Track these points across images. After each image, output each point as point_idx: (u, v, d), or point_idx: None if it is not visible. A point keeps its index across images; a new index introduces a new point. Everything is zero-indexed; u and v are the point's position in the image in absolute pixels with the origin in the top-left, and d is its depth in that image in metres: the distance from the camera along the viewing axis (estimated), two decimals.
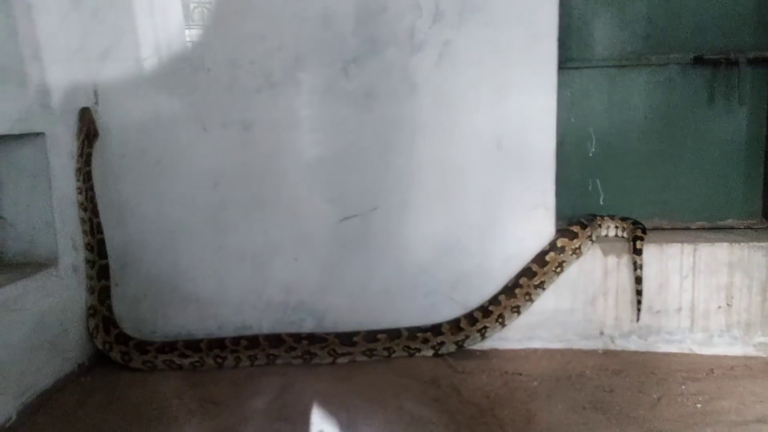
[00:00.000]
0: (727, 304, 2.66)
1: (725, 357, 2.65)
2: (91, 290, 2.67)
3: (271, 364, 2.64)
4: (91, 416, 2.28)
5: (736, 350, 2.67)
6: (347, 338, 2.65)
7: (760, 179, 2.91)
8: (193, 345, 2.65)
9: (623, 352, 2.70)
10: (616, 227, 2.82)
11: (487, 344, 2.74)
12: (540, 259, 2.67)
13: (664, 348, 2.70)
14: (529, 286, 2.65)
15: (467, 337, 2.67)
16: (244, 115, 2.68)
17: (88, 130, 2.62)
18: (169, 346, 2.64)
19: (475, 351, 2.73)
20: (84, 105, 2.66)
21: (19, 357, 2.27)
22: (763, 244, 2.64)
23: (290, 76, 2.65)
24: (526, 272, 2.67)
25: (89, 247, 2.66)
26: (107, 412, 2.30)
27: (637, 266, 2.63)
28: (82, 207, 2.63)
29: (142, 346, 2.64)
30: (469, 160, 2.68)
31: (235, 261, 2.77)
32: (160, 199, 2.75)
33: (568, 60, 2.81)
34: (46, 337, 2.42)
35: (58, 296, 2.50)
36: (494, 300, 2.68)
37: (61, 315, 2.51)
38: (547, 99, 2.61)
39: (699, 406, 2.26)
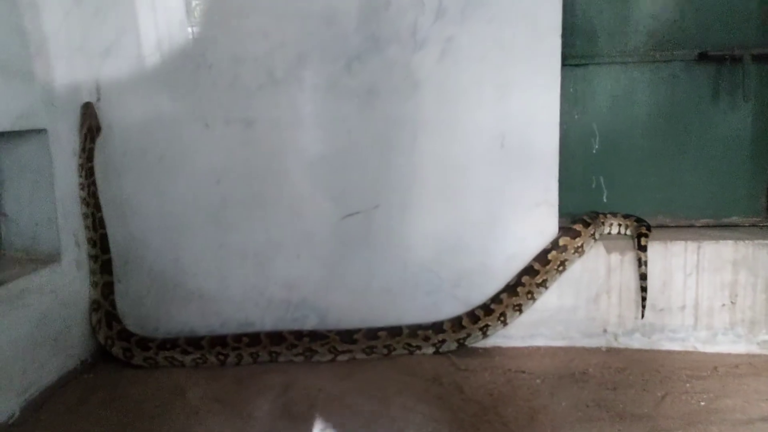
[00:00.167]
0: (732, 302, 2.65)
1: (729, 355, 2.63)
2: (94, 285, 2.67)
3: (274, 362, 2.64)
4: (94, 413, 2.28)
5: (741, 348, 2.66)
6: (348, 336, 2.65)
7: (765, 176, 2.89)
8: (194, 342, 2.65)
9: (627, 350, 2.69)
10: (619, 225, 2.81)
11: (489, 342, 2.73)
12: (542, 257, 2.65)
13: (667, 346, 2.69)
14: (531, 284, 2.64)
15: (469, 335, 2.66)
16: (247, 112, 2.68)
17: (90, 125, 2.62)
18: (170, 343, 2.65)
19: (477, 349, 2.72)
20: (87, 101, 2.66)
21: (21, 353, 2.27)
22: (767, 241, 2.62)
23: (293, 74, 2.65)
24: (529, 270, 2.66)
25: (92, 242, 2.66)
26: (110, 409, 2.31)
27: (642, 263, 2.61)
28: (85, 202, 2.64)
29: (144, 343, 2.64)
30: (472, 157, 2.67)
31: (238, 258, 2.77)
32: (162, 197, 2.75)
33: (571, 57, 2.80)
34: (48, 333, 2.42)
35: (61, 293, 2.51)
36: (496, 298, 2.67)
37: (63, 311, 2.52)
38: (550, 96, 2.60)
39: (703, 404, 2.25)
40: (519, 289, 2.64)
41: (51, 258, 2.51)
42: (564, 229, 2.68)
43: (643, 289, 2.63)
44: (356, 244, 2.74)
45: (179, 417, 2.24)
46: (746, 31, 2.81)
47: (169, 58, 2.66)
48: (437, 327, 2.66)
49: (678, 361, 2.58)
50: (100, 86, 2.68)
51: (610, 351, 2.69)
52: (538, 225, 2.69)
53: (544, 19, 2.56)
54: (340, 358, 2.65)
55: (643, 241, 2.62)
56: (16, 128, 2.36)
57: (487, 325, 2.65)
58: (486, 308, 2.66)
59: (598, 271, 2.70)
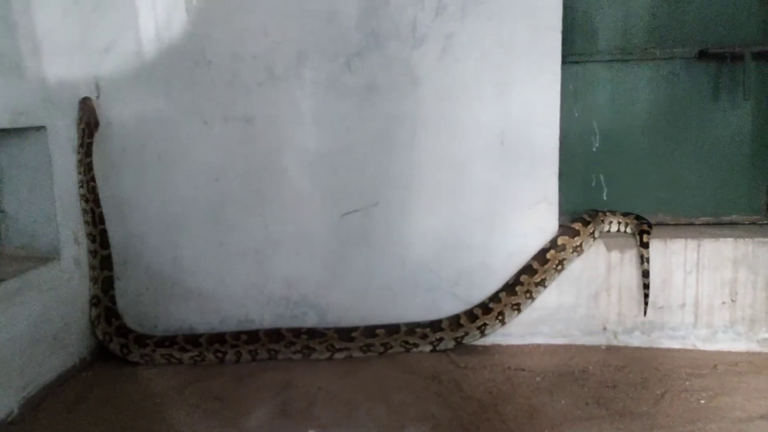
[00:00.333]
0: (732, 300, 2.65)
1: (729, 353, 2.63)
2: (94, 280, 2.67)
3: (273, 359, 2.64)
4: (92, 411, 2.27)
5: (740, 346, 2.65)
6: (346, 333, 2.65)
7: (765, 174, 2.89)
8: (192, 339, 2.65)
9: (626, 348, 2.69)
10: (619, 222, 2.81)
11: (489, 340, 2.73)
12: (541, 256, 2.65)
13: (667, 344, 2.69)
14: (529, 283, 2.64)
15: (467, 333, 2.66)
16: (246, 109, 2.67)
17: (88, 120, 2.61)
18: (168, 341, 2.64)
19: (477, 346, 2.72)
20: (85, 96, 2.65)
21: (20, 351, 2.27)
22: (767, 239, 2.61)
23: (292, 71, 2.64)
24: (527, 270, 2.65)
25: (91, 237, 2.66)
26: (109, 406, 2.30)
27: (644, 259, 2.61)
28: (84, 198, 2.63)
29: (142, 340, 2.64)
30: (472, 155, 2.67)
31: (237, 255, 2.76)
32: (162, 194, 2.74)
33: (571, 54, 2.80)
34: (47, 331, 2.42)
35: (60, 290, 2.50)
36: (494, 297, 2.66)
37: (62, 309, 2.51)
38: (550, 93, 2.60)
39: (703, 402, 2.25)
40: (517, 288, 2.64)
41: (50, 255, 2.51)
42: (563, 228, 2.68)
43: (646, 286, 2.62)
44: (356, 242, 2.74)
45: (178, 415, 2.24)
46: (747, 28, 2.81)
47: (168, 55, 2.65)
48: (435, 325, 2.66)
49: (678, 359, 2.58)
50: (99, 83, 2.68)
51: (610, 349, 2.69)
52: (538, 223, 2.68)
53: (544, 17, 2.55)
54: (338, 355, 2.64)
55: (645, 238, 2.62)
56: (15, 125, 2.35)
57: (485, 324, 2.65)
58: (484, 307, 2.66)
59: (598, 269, 2.69)
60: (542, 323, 2.73)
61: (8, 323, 2.22)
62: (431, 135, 2.66)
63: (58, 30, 2.56)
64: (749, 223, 2.89)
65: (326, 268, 2.76)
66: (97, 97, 2.68)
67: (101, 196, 2.68)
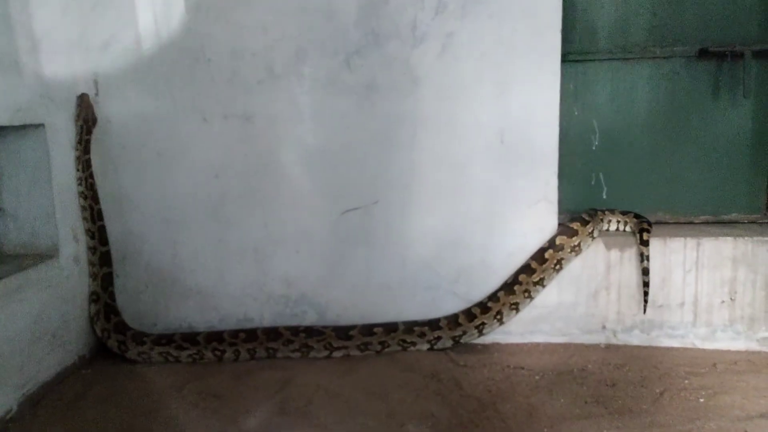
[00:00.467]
0: (731, 299, 2.65)
1: (728, 352, 2.63)
2: (93, 276, 2.67)
3: (271, 358, 2.64)
4: (92, 408, 2.27)
5: (740, 345, 2.66)
6: (344, 332, 2.64)
7: (765, 173, 2.89)
8: (191, 338, 2.64)
9: (625, 346, 2.69)
10: (618, 221, 2.81)
11: (488, 338, 2.73)
12: (539, 256, 2.65)
13: (666, 342, 2.69)
14: (528, 283, 2.64)
15: (465, 332, 2.66)
16: (245, 107, 2.67)
17: (86, 117, 2.61)
18: (166, 339, 2.64)
19: (476, 345, 2.72)
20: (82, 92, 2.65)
21: (20, 348, 2.26)
22: (767, 238, 2.61)
23: (292, 69, 2.64)
24: (526, 269, 2.65)
25: (90, 233, 2.65)
26: (108, 404, 2.30)
27: (644, 257, 2.61)
28: (83, 195, 2.63)
29: (139, 337, 2.64)
30: (471, 154, 2.66)
31: (236, 253, 2.76)
32: (161, 191, 2.74)
33: (571, 53, 2.79)
34: (47, 328, 2.41)
35: (59, 287, 2.50)
36: (493, 297, 2.66)
37: (61, 307, 2.51)
38: (550, 92, 2.60)
39: (702, 400, 2.25)
40: (516, 287, 2.64)
41: (49, 253, 2.51)
42: (561, 228, 2.68)
43: (645, 284, 2.62)
44: (355, 241, 2.74)
45: (177, 413, 2.24)
46: (747, 27, 2.81)
47: (168, 53, 2.65)
48: (433, 324, 2.66)
49: (677, 358, 2.58)
50: (98, 80, 2.67)
51: (609, 347, 2.69)
52: (538, 222, 2.68)
53: (544, 16, 2.55)
54: (336, 354, 2.64)
55: (645, 236, 2.62)
56: (14, 123, 2.35)
57: (483, 323, 2.65)
58: (483, 306, 2.66)
59: (597, 268, 2.69)
60: (542, 321, 2.73)
61: (7, 321, 2.22)
62: (431, 134, 2.66)
63: (57, 27, 2.55)
64: (749, 222, 2.89)
65: (326, 267, 2.76)
66: (96, 94, 2.68)
67: (101, 193, 2.68)
